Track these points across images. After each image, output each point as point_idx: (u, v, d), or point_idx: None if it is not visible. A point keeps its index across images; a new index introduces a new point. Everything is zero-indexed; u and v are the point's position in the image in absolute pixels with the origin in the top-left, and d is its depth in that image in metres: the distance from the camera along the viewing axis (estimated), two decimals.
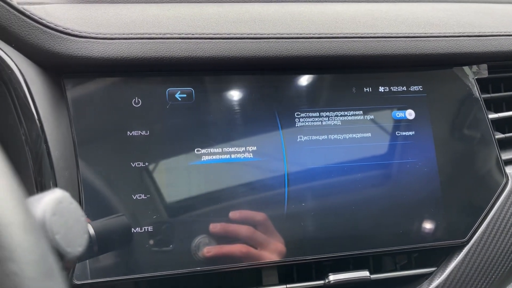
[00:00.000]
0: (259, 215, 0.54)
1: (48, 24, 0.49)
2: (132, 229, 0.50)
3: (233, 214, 0.54)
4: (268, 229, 0.54)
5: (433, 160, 0.60)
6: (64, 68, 0.51)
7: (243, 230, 0.54)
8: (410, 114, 0.61)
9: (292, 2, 0.68)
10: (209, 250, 0.52)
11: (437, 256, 0.60)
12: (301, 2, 0.68)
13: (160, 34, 0.54)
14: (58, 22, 0.50)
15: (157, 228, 0.51)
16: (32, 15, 0.48)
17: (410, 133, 0.60)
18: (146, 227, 0.51)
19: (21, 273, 0.19)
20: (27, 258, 0.20)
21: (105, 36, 0.52)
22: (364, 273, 0.56)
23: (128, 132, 0.52)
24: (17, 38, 0.48)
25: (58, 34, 0.50)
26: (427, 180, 0.60)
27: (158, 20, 0.56)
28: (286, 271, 0.57)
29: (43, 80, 0.50)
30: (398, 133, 0.60)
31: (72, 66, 0.51)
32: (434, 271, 0.59)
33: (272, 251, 0.54)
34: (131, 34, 0.53)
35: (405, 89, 0.62)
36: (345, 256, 0.56)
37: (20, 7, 0.48)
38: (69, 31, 0.50)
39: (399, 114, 0.61)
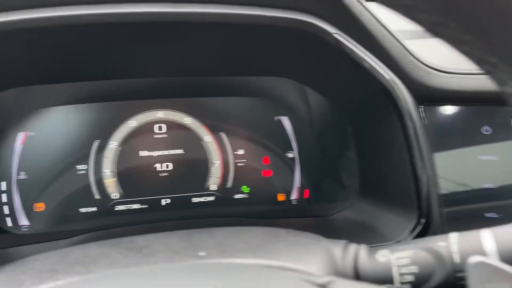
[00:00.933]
0: None
1: (425, 62, 0.60)
2: None
3: None
4: None
5: None
6: (423, 97, 0.61)
7: None
8: None
9: None
10: None
11: None
12: None
13: None
14: (424, 60, 0.61)
15: None
16: (414, 55, 0.59)
17: None
18: None
19: None
20: None
21: (452, 71, 0.61)
22: None
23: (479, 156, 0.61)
24: (405, 74, 0.59)
25: (430, 69, 0.60)
26: None
27: None
28: None
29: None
30: None
31: (431, 95, 0.61)
32: None
33: None
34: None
35: None
36: None
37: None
38: (437, 67, 0.60)
39: None
